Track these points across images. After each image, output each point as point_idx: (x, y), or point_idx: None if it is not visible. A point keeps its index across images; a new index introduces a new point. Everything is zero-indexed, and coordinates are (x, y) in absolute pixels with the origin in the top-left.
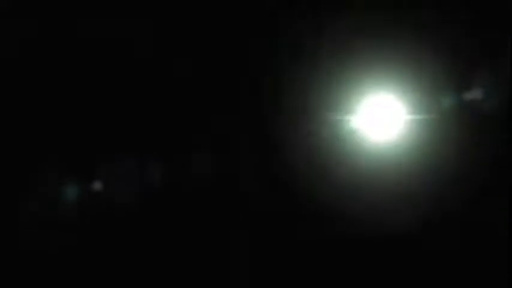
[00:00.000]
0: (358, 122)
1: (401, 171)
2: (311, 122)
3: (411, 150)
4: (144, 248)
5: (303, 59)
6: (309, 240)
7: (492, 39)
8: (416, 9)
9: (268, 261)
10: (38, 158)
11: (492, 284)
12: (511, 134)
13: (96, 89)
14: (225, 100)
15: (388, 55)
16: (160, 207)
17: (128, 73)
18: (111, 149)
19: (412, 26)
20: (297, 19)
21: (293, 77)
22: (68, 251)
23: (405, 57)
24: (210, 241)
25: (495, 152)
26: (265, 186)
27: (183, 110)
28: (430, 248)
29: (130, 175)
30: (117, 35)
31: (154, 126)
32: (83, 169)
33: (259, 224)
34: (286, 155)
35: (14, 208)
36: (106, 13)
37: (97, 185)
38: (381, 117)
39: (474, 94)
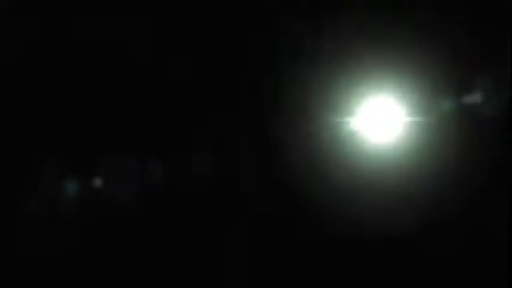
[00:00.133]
0: (357, 124)
1: (400, 173)
2: (311, 123)
3: (410, 152)
4: (144, 247)
5: (303, 60)
6: (308, 240)
7: (492, 41)
8: (416, 10)
9: (268, 261)
10: (39, 155)
11: (492, 286)
12: (510, 136)
13: (97, 88)
14: (225, 100)
15: (387, 57)
16: (160, 207)
17: (128, 72)
18: (111, 148)
19: (412, 27)
20: (297, 19)
21: (293, 78)
22: (68, 249)
23: (405, 59)
24: (210, 241)
25: (495, 155)
26: (265, 186)
27: (183, 110)
28: (429, 250)
29: (130, 175)
30: (117, 35)
31: (154, 126)
32: (83, 166)
33: (259, 224)
34: (286, 155)
35: (14, 205)
36: (106, 13)
37: (97, 183)
38: (380, 120)
39: (474, 97)
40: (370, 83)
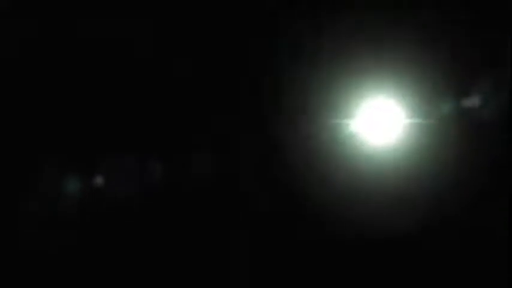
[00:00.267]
0: (357, 126)
1: (400, 175)
2: (310, 124)
3: (410, 154)
4: (144, 247)
5: (303, 60)
6: (308, 241)
7: (492, 44)
8: (417, 12)
9: (268, 262)
10: (39, 154)
11: (492, 287)
12: (509, 139)
13: (97, 88)
14: (225, 100)
15: (387, 59)
16: (160, 207)
17: (128, 72)
18: (111, 148)
19: (412, 29)
20: (297, 19)
21: (293, 78)
22: (68, 249)
23: (405, 61)
24: (210, 241)
25: (494, 157)
26: (265, 186)
27: (183, 110)
28: (429, 252)
29: (130, 175)
30: (117, 35)
31: (154, 126)
32: (84, 166)
33: (259, 224)
34: (285, 156)
35: (14, 205)
36: (106, 13)
37: (97, 182)
38: (380, 121)
39: (473, 100)
40: (370, 84)
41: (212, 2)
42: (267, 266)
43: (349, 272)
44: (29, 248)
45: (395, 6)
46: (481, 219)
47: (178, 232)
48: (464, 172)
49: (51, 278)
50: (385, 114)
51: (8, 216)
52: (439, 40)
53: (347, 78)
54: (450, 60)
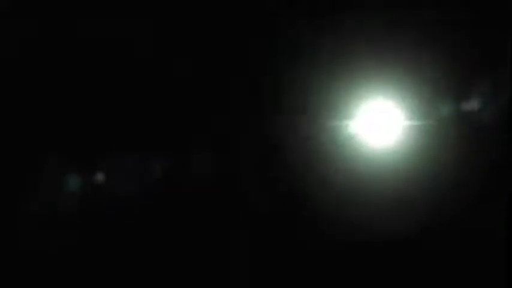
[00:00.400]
0: (356, 127)
1: (399, 176)
2: (310, 125)
3: (409, 156)
4: (144, 247)
5: (303, 61)
6: (307, 242)
7: (492, 46)
8: (417, 13)
9: (268, 262)
10: (40, 154)
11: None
12: (508, 141)
13: (97, 88)
14: (225, 100)
15: (387, 60)
16: (160, 207)
17: (128, 72)
18: (111, 148)
19: (412, 30)
20: (297, 19)
21: (292, 79)
22: (68, 248)
23: (405, 63)
24: (210, 241)
25: (493, 159)
26: (265, 186)
27: (183, 110)
28: (428, 253)
29: (130, 175)
30: (117, 35)
31: (154, 126)
32: (83, 165)
33: (259, 224)
34: (285, 156)
35: (14, 205)
36: (106, 13)
37: (97, 182)
38: (379, 123)
39: (472, 102)
40: (369, 86)
41: (212, 2)
42: (267, 266)
43: (349, 273)
44: (29, 247)
45: (395, 7)
46: (480, 220)
47: (178, 232)
48: (463, 174)
49: (51, 278)
50: (385, 115)
51: (8, 216)
52: (438, 41)
53: (346, 80)
54: (450, 62)
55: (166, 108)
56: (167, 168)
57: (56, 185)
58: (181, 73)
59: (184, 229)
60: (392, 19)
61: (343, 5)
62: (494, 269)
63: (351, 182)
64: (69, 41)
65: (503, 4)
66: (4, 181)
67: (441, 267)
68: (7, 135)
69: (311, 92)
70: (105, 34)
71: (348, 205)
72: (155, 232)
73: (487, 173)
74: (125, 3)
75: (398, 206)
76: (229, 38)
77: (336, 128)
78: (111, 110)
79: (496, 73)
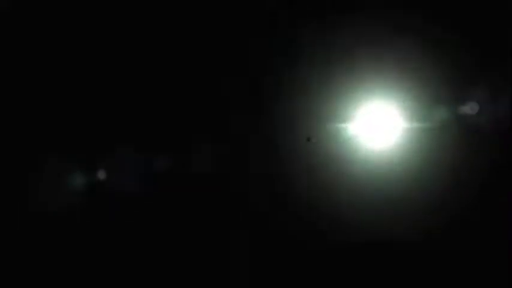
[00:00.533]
0: (356, 129)
1: (397, 178)
2: (310, 127)
3: (408, 157)
4: (144, 247)
5: (302, 63)
6: (307, 242)
7: (491, 51)
8: (417, 17)
9: (268, 262)
10: (40, 153)
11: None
12: (506, 143)
13: (98, 87)
14: (225, 100)
15: (387, 63)
16: (160, 207)
17: (129, 72)
18: (111, 148)
19: (412, 34)
20: (296, 20)
21: (292, 81)
22: (68, 248)
23: (404, 66)
24: (210, 241)
25: (491, 160)
26: (265, 187)
27: (184, 110)
28: (427, 254)
29: (130, 174)
30: (118, 35)
31: (155, 125)
32: (83, 165)
33: (259, 224)
34: (285, 157)
35: (15, 203)
36: (106, 13)
37: (98, 181)
38: (378, 125)
39: (471, 104)
40: (369, 88)
41: (212, 2)
42: (267, 266)
43: (348, 274)
44: (30, 244)
45: (395, 11)
46: (480, 221)
47: (178, 232)
48: (462, 175)
49: (51, 278)
50: (384, 118)
51: (8, 215)
52: (439, 47)
53: (346, 82)
54: (449, 65)
55: (166, 108)
56: (167, 168)
57: (57, 184)
58: (181, 73)
59: (185, 229)
60: (393, 24)
61: (343, 7)
62: (494, 269)
63: (350, 183)
64: (69, 41)
65: (503, 5)
66: (4, 181)
67: (441, 268)
68: (7, 135)
69: (311, 95)
70: (105, 34)
71: (347, 206)
72: (155, 232)
73: (485, 174)
74: (126, 3)
75: (397, 207)
76: (229, 38)
77: (336, 129)
78: (114, 109)
79: (495, 76)
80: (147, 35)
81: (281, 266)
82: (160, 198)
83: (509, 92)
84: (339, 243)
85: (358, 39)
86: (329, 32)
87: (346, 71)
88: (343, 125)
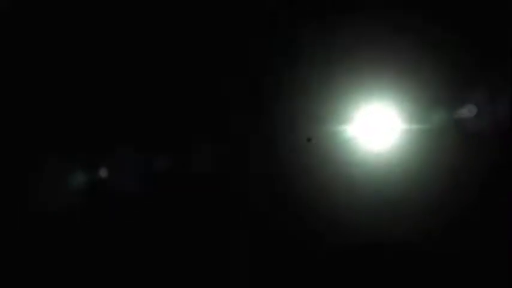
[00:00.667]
0: (355, 131)
1: (396, 179)
2: (309, 128)
3: (407, 159)
4: (144, 247)
5: (302, 65)
6: (307, 242)
7: (490, 54)
8: (416, 19)
9: (268, 262)
10: (41, 152)
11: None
12: (505, 145)
13: (98, 87)
14: (225, 100)
15: (386, 64)
16: (160, 207)
17: (129, 73)
18: (111, 148)
19: (412, 34)
20: (296, 20)
21: (292, 81)
22: (68, 247)
23: (404, 68)
24: (210, 241)
25: (490, 162)
26: (265, 186)
27: (184, 110)
28: (426, 255)
29: (130, 175)
30: (118, 35)
31: (155, 125)
32: (83, 165)
33: (259, 224)
34: (284, 158)
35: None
36: (107, 13)
37: (98, 180)
38: (377, 126)
39: (470, 106)
40: (368, 90)
41: (212, 2)
42: (267, 266)
43: (348, 274)
44: (30, 244)
45: (395, 11)
46: (478, 222)
47: (178, 232)
48: (461, 177)
49: (51, 277)
50: (383, 119)
51: (8, 215)
52: (438, 49)
53: (345, 83)
54: (448, 67)
55: (166, 108)
56: (167, 168)
57: (57, 184)
58: (181, 73)
59: (185, 229)
60: (392, 25)
61: (343, 7)
62: (494, 269)
63: (349, 184)
64: (70, 41)
65: (503, 5)
66: (5, 181)
67: (439, 270)
68: (8, 135)
69: (310, 97)
70: (105, 34)
71: (345, 207)
72: (155, 232)
73: (484, 176)
74: (126, 3)
75: (395, 208)
76: (229, 38)
77: (334, 131)
78: (114, 109)
79: (494, 77)
80: (147, 35)
81: (281, 266)
82: (160, 198)
83: (509, 93)
84: (338, 244)
85: (358, 40)
86: (329, 32)
87: (346, 71)
88: (341, 127)
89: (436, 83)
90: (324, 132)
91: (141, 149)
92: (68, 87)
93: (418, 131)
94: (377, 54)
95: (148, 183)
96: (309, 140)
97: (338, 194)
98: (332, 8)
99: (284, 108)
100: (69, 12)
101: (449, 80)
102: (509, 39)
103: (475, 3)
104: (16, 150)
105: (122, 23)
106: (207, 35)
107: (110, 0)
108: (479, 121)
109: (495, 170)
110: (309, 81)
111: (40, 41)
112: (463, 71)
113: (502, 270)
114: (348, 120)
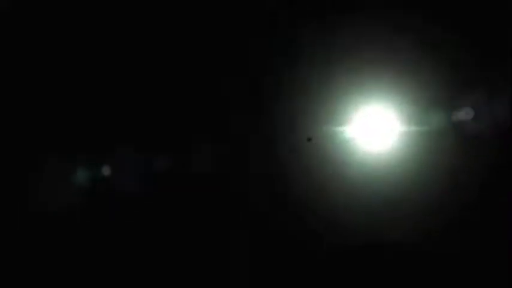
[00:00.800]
0: (353, 132)
1: (395, 180)
2: (308, 129)
3: (405, 160)
4: (144, 247)
5: (302, 64)
6: (306, 242)
7: (490, 55)
8: (416, 20)
9: (268, 262)
10: (42, 152)
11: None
12: (504, 146)
13: (98, 87)
14: (225, 100)
15: (386, 65)
16: (160, 207)
17: (129, 73)
18: (111, 148)
19: (412, 35)
20: (296, 20)
21: (292, 81)
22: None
23: (403, 69)
24: (210, 241)
25: (489, 163)
26: (265, 186)
27: (184, 110)
28: (425, 256)
29: (130, 175)
30: (118, 35)
31: (155, 125)
32: (83, 165)
33: (259, 224)
34: (284, 158)
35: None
36: (106, 13)
37: (98, 180)
38: (376, 127)
39: (469, 108)
40: (368, 91)
41: (212, 2)
42: (267, 266)
43: (347, 274)
44: (30, 244)
45: (395, 11)
46: (478, 223)
47: (178, 232)
48: (459, 178)
49: (52, 277)
50: (382, 120)
51: (9, 215)
52: (438, 52)
53: (345, 84)
54: (448, 68)
55: (166, 108)
56: (167, 168)
57: (57, 183)
58: (182, 73)
59: (185, 229)
60: (391, 26)
61: (343, 7)
62: (494, 270)
63: (348, 185)
64: (70, 41)
65: (503, 5)
66: (5, 181)
67: (439, 270)
68: (8, 135)
69: (309, 98)
70: (105, 34)
71: (344, 208)
72: (155, 232)
73: (483, 177)
74: (126, 3)
75: (394, 209)
76: (229, 38)
77: (333, 132)
78: (115, 109)
79: (494, 78)
80: (147, 35)
81: (281, 266)
82: (160, 198)
83: (508, 93)
84: (337, 244)
85: (358, 39)
86: (329, 32)
87: (346, 71)
88: (340, 128)
89: (436, 84)
90: (323, 132)
91: (141, 149)
92: (68, 87)
93: (417, 132)
94: (377, 55)
95: (148, 183)
96: (309, 139)
97: (337, 194)
98: (332, 8)
99: (284, 108)
100: (69, 12)
101: (449, 80)
102: (509, 39)
103: (475, 3)
104: (16, 150)
105: (122, 23)
106: (207, 35)
107: (110, 0)
108: (479, 122)
109: (494, 171)
110: (309, 81)
111: (40, 42)
112: (463, 72)
113: (502, 270)
114: (347, 120)
